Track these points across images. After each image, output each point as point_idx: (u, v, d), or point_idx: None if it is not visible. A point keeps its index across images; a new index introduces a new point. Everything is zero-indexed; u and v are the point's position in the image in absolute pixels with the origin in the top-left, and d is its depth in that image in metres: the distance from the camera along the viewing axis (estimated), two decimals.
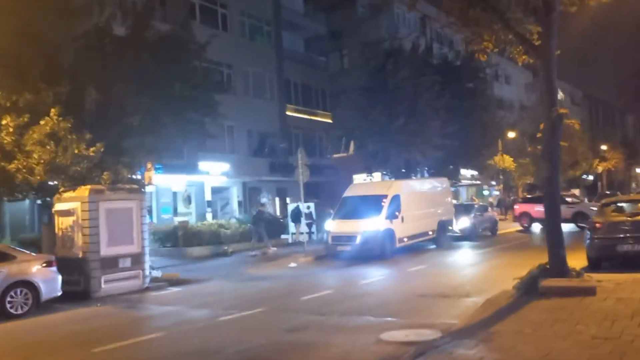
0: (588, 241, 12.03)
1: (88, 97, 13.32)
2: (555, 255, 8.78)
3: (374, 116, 24.17)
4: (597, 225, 11.93)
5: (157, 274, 14.62)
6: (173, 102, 15.13)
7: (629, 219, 11.60)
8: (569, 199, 28.42)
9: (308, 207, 22.89)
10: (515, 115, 56.74)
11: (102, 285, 12.48)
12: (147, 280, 13.54)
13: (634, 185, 65.66)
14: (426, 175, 29.12)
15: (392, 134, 24.32)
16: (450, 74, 28.94)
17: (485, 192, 51.84)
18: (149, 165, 15.32)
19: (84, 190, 12.67)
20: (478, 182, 47.39)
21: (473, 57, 33.12)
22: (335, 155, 38.33)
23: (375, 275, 13.79)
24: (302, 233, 22.35)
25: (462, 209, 24.96)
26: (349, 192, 19.64)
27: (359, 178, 37.13)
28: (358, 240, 17.06)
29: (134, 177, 14.48)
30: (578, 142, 51.29)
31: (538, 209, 27.38)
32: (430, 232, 20.07)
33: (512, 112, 56.89)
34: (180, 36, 16.42)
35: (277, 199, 32.67)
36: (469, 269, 15.02)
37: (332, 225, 18.36)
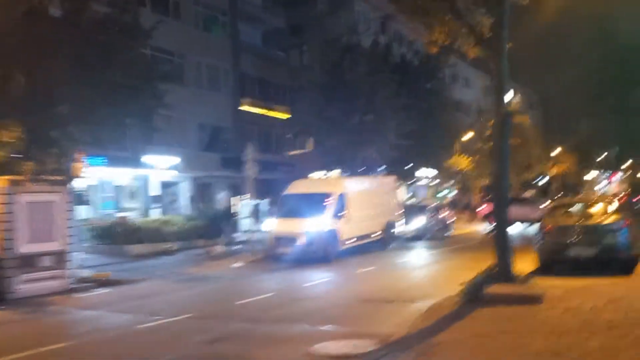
0: (538, 244, 11.70)
1: (14, 82, 12.17)
2: (502, 260, 8.29)
3: (330, 113, 23.55)
4: (548, 228, 11.60)
5: (86, 273, 13.53)
6: (112, 91, 14.02)
7: (579, 222, 11.30)
8: (533, 200, 28.60)
9: (256, 205, 22.02)
10: (473, 117, 57.33)
11: (19, 286, 11.34)
12: (73, 280, 12.45)
13: (585, 188, 67.41)
14: (383, 173, 28.70)
15: (349, 132, 23.75)
16: (408, 73, 28.66)
17: (443, 193, 52.12)
18: (78, 157, 14.18)
19: (0, 181, 11.48)
20: (435, 182, 47.54)
21: (432, 57, 33.31)
22: (292, 152, 37.58)
23: (320, 278, 13.09)
24: (248, 231, 21.47)
25: (417, 209, 24.66)
26: (291, 189, 18.49)
27: (316, 176, 36.51)
28: (301, 241, 15.99)
29: (62, 168, 13.33)
30: (533, 145, 52.24)
31: (511, 210, 27.33)
32: (377, 234, 19.18)
33: (469, 115, 57.44)
34: (123, 20, 15.30)
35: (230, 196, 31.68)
36: (419, 271, 14.52)
37: (273, 225, 17.22)
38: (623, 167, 61.50)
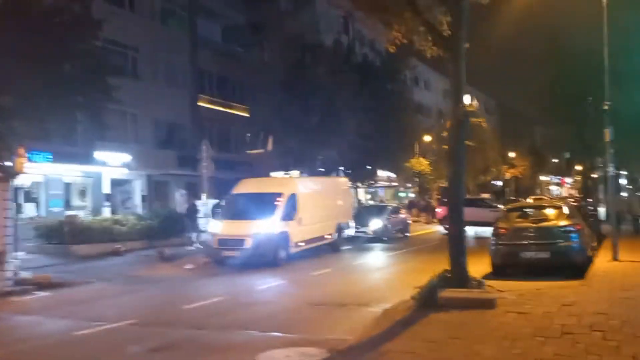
0: (493, 247, 11.67)
1: None
2: (457, 263, 8.14)
3: (290, 112, 23.21)
4: (502, 231, 11.59)
5: (26, 275, 12.73)
6: (59, 83, 13.26)
7: (532, 225, 11.34)
8: (492, 203, 28.97)
9: (216, 205, 21.43)
10: (433, 120, 58.05)
11: None
12: (11, 282, 11.68)
13: (538, 191, 69.32)
14: (342, 174, 28.56)
15: (308, 131, 23.47)
16: (369, 74, 28.60)
17: (403, 194, 52.50)
18: (21, 152, 13.37)
19: None
20: (395, 183, 47.82)
21: (393, 59, 33.43)
22: (251, 151, 37.03)
23: (273, 281, 12.67)
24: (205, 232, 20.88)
25: (376, 210, 24.59)
26: (239, 189, 17.33)
27: (276, 176, 36.06)
28: (248, 244, 14.78)
29: (2, 164, 12.51)
30: (490, 148, 53.31)
31: (467, 212, 27.57)
32: (328, 236, 18.47)
33: (430, 117, 58.14)
34: (72, 10, 14.52)
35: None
36: (376, 274, 14.33)
37: (218, 227, 15.90)
38: (574, 171, 63.63)
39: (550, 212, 11.70)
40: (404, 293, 8.79)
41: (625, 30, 18.35)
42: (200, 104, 30.28)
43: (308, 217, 16.79)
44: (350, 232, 20.47)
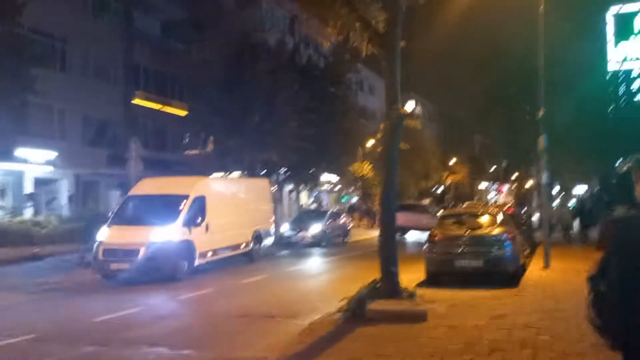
0: (427, 255, 11.41)
1: None
2: (387, 273, 7.71)
3: (229, 111, 22.34)
4: (436, 238, 11.34)
5: None
6: None
7: (466, 233, 11.14)
8: (429, 208, 29.08)
9: None
10: (377, 125, 58.46)
11: None
12: None
13: (477, 198, 71.22)
14: (282, 177, 27.96)
15: (248, 132, 22.67)
16: (312, 75, 28.14)
17: (345, 199, 52.47)
18: None
19: None
20: (338, 187, 47.66)
21: (338, 62, 33.18)
22: (190, 152, 35.80)
23: (200, 290, 11.86)
24: None
25: (315, 215, 24.22)
26: (137, 190, 15.04)
27: (215, 177, 34.94)
28: (141, 254, 12.49)
29: None
30: (431, 155, 54.24)
31: (407, 217, 27.57)
32: (244, 245, 16.47)
33: (374, 122, 58.49)
34: None
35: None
36: (311, 281, 13.79)
37: (105, 234, 13.36)
38: (511, 179, 65.78)
39: (484, 219, 11.55)
40: (335, 303, 8.27)
41: (559, 40, 18.76)
42: (136, 100, 28.91)
43: (219, 223, 14.64)
44: (270, 240, 18.53)
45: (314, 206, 40.64)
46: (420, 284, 11.49)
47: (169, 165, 31.86)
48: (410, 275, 12.52)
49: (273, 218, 18.75)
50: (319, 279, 14.11)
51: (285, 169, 27.47)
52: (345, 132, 30.60)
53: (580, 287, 9.43)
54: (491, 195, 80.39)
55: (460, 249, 10.97)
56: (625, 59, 30.16)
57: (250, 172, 25.53)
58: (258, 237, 17.36)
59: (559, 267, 11.76)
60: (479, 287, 10.69)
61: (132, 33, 28.82)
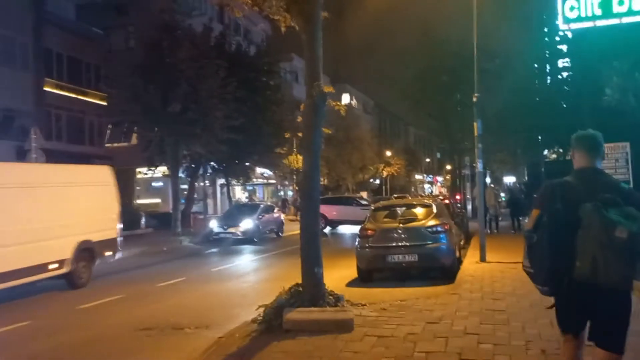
0: (359, 250, 10.53)
1: None
2: (310, 275, 6.70)
3: (147, 99, 20.66)
4: (369, 232, 10.48)
5: None
6: None
7: (400, 225, 10.35)
8: (362, 201, 28.47)
9: None
10: None
11: None
12: None
13: (413, 189, 72.07)
14: (210, 170, 26.47)
15: (169, 121, 21.08)
16: (242, 63, 26.79)
17: (281, 192, 51.32)
18: None
19: None
20: (273, 181, 46.43)
21: (270, 51, 31.95)
22: (111, 145, 33.53)
23: (106, 296, 10.42)
24: None
25: (247, 209, 22.95)
26: None
27: (140, 171, 32.95)
28: None
29: None
30: (367, 147, 54.05)
31: (338, 211, 26.87)
32: (55, 265, 10.83)
33: None
34: None
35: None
36: (235, 282, 12.51)
37: None
38: (445, 170, 66.95)
39: (418, 211, 10.80)
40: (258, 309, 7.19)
41: (493, 26, 18.47)
42: (47, 88, 26.46)
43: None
44: (116, 256, 13.05)
45: (241, 200, 39.16)
46: (352, 283, 10.68)
47: (88, 158, 29.62)
48: (342, 273, 11.66)
49: (118, 224, 13.08)
50: (244, 280, 12.89)
51: (213, 162, 26.04)
52: (278, 124, 29.48)
53: (518, 282, 8.73)
54: (427, 187, 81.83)
55: (394, 243, 10.18)
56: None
57: (175, 165, 23.96)
58: (88, 252, 11.73)
59: (495, 260, 11.21)
60: (414, 283, 9.99)
61: (42, 15, 26.31)
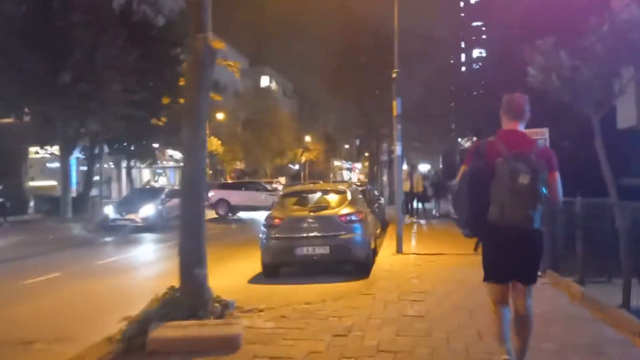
0: (264, 241, 9.23)
1: None
2: (190, 277, 5.30)
3: (32, 66, 17.96)
4: (275, 221, 9.20)
5: None
6: None
7: (310, 214, 9.14)
8: (268, 186, 27.14)
9: None
10: (231, 100, 55.40)
11: None
12: None
13: (332, 175, 71.81)
14: (107, 152, 24.03)
15: (59, 94, 18.52)
16: (148, 35, 24.43)
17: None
18: None
19: None
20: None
21: (181, 22, 29.58)
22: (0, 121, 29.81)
23: None
24: None
25: (148, 194, 20.90)
26: None
27: (33, 151, 29.51)
28: None
29: None
30: (285, 131, 52.73)
31: (238, 196, 25.36)
32: None
33: (226, 96, 55.32)
34: None
35: None
36: (119, 280, 10.54)
37: None
38: (363, 157, 67.11)
39: (331, 198, 9.64)
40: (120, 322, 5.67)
41: (412, 7, 17.69)
42: None
43: None
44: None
45: (143, 184, 36.59)
46: (255, 279, 9.38)
47: None
48: (245, 266, 10.31)
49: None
50: (132, 276, 11.14)
51: (113, 141, 23.61)
52: None
53: (437, 279, 7.64)
54: (345, 173, 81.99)
55: (304, 234, 8.98)
56: None
57: (67, 144, 21.41)
58: None
59: (412, 251, 10.34)
60: (324, 279, 8.86)
61: None
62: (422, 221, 18.12)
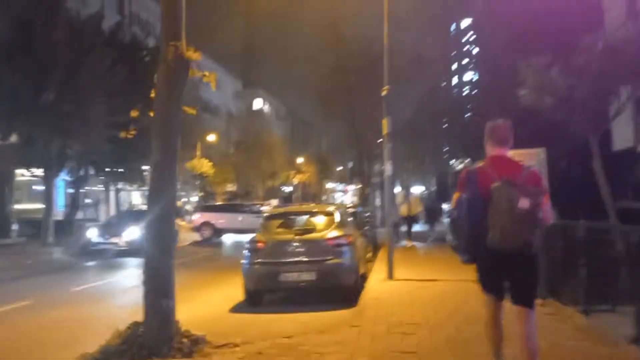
0: (246, 267, 8.68)
1: None
2: (155, 310, 4.76)
3: (13, 85, 17.52)
4: (258, 245, 8.67)
5: None
6: None
7: (296, 237, 8.63)
8: (256, 208, 26.64)
9: None
10: (222, 121, 55.10)
11: None
12: None
13: (325, 197, 71.25)
14: (92, 174, 23.46)
15: (38, 113, 18.02)
16: (136, 55, 24.16)
17: (183, 199, 48.19)
18: None
19: None
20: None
21: None
22: None
23: None
24: None
25: (134, 217, 20.18)
26: None
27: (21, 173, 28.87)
28: None
29: None
30: (277, 153, 52.37)
31: (223, 219, 24.82)
32: None
33: (218, 118, 55.04)
34: None
35: None
36: (95, 307, 9.83)
37: None
38: (356, 179, 66.64)
39: (318, 220, 9.13)
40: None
41: (402, 26, 17.47)
42: None
43: None
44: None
45: (128, 206, 35.86)
46: (238, 307, 8.82)
47: None
48: (227, 293, 9.74)
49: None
50: (108, 304, 10.47)
51: (98, 164, 23.05)
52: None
53: (430, 308, 7.04)
54: (338, 195, 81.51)
55: (289, 259, 8.45)
56: None
57: (50, 166, 20.84)
58: None
59: (403, 277, 9.79)
60: (310, 306, 8.32)
61: None
62: (418, 244, 17.58)
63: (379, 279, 9.77)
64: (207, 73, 5.37)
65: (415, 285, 9.02)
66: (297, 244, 8.50)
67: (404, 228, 17.85)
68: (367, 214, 20.65)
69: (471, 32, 53.77)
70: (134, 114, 11.30)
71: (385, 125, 9.87)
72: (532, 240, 3.50)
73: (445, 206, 22.85)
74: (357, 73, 21.79)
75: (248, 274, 8.60)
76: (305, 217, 9.20)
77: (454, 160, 34.71)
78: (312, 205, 13.51)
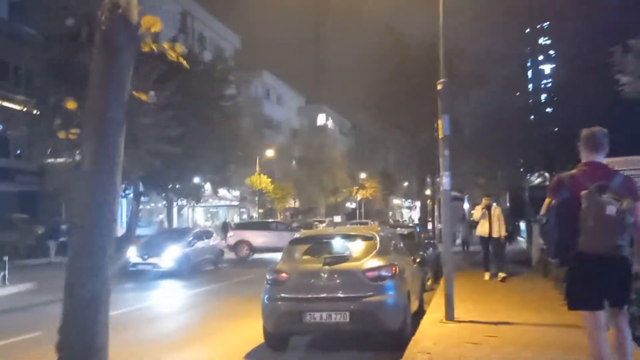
0: (266, 302, 7.01)
1: None
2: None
3: (58, 100, 17.14)
4: (282, 276, 6.98)
5: None
6: None
7: (326, 266, 6.85)
8: (290, 225, 25.39)
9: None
10: (286, 137, 54.50)
11: None
12: None
13: (391, 214, 68.74)
14: (142, 190, 22.86)
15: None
16: (192, 70, 23.60)
17: (245, 215, 47.61)
18: None
19: None
20: (236, 203, 42.70)
21: (225, 59, 28.89)
22: (54, 160, 29.69)
23: None
24: None
25: (175, 236, 19.04)
26: None
27: None
28: None
29: None
30: (339, 168, 50.92)
31: (261, 237, 23.64)
32: None
33: (281, 134, 54.51)
34: None
35: None
36: (116, 339, 8.74)
37: None
38: (423, 195, 63.72)
39: (355, 246, 7.29)
40: None
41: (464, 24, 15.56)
42: None
43: None
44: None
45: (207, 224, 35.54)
46: (253, 353, 7.15)
47: (13, 175, 25.95)
48: (250, 328, 8.07)
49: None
50: (132, 334, 9.13)
51: (147, 179, 22.41)
52: (233, 139, 26.13)
53: None
54: (405, 212, 78.66)
55: (315, 294, 6.70)
56: None
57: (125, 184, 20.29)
58: None
59: (467, 318, 7.72)
60: (343, 355, 6.55)
61: None
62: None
63: (435, 319, 7.74)
64: (166, 45, 3.81)
65: (483, 331, 6.93)
66: (327, 275, 6.72)
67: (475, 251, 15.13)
68: (430, 234, 18.48)
69: (547, 24, 50.62)
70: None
71: (441, 126, 7.98)
72: (622, 244, 3.65)
73: (522, 224, 20.39)
74: (417, 77, 19.95)
75: (267, 312, 6.92)
76: (338, 242, 7.39)
77: (530, 175, 31.68)
78: (349, 227, 11.61)
